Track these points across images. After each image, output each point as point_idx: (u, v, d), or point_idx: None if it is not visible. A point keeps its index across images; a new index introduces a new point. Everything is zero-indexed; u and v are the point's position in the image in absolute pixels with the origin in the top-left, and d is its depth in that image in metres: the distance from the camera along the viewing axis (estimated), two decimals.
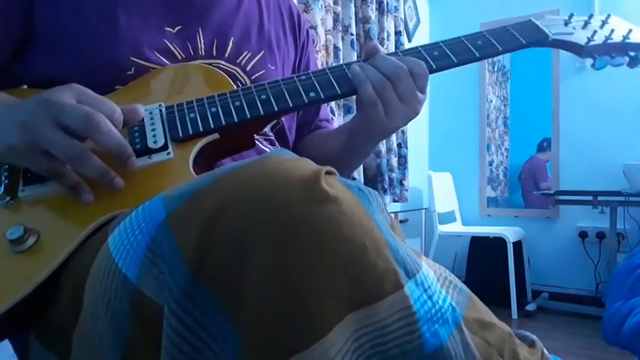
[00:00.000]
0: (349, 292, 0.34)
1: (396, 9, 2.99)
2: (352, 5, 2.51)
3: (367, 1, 2.66)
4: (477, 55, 0.68)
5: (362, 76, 0.62)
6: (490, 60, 3.55)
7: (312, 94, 0.62)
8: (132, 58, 0.63)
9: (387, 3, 2.86)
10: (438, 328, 0.36)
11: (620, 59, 0.75)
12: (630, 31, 0.74)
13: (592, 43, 0.73)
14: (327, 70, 0.65)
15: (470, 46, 0.68)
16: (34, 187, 0.53)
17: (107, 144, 0.50)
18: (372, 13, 2.69)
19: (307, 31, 0.91)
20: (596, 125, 3.11)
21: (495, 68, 3.60)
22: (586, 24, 0.74)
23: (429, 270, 0.40)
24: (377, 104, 0.62)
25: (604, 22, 0.75)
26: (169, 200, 0.38)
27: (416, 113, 0.65)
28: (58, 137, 0.48)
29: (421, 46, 0.68)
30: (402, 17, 3.09)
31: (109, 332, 0.38)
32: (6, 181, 0.54)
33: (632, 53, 0.75)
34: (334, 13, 2.40)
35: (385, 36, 2.84)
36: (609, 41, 0.73)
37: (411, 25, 3.37)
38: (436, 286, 0.39)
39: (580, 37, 0.73)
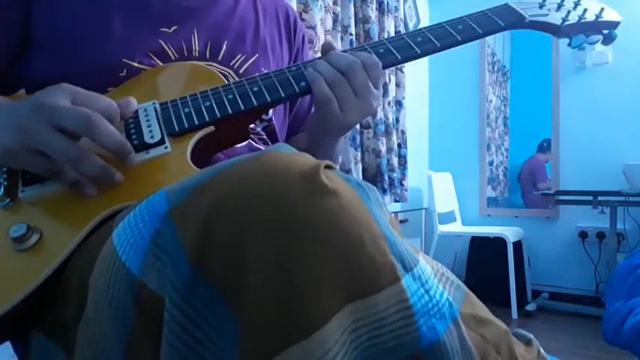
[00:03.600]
0: (347, 284, 0.35)
1: (396, 9, 2.99)
2: (351, 5, 2.51)
3: (367, 0, 2.66)
4: (459, 38, 0.70)
5: (315, 75, 0.63)
6: (490, 60, 3.56)
7: (302, 84, 0.63)
8: (124, 60, 0.64)
9: (387, 3, 2.86)
10: (435, 323, 0.37)
11: (595, 37, 0.79)
12: (602, 10, 0.77)
13: (567, 23, 0.76)
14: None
15: (451, 30, 0.70)
16: (33, 187, 0.53)
17: (107, 143, 0.51)
18: (372, 13, 2.69)
19: (303, 36, 0.92)
20: (596, 125, 3.11)
21: (495, 68, 3.60)
22: (559, 6, 0.78)
23: (427, 265, 0.41)
24: (332, 101, 0.62)
25: (577, 4, 0.78)
26: (172, 194, 0.39)
27: (371, 108, 0.65)
28: (56, 139, 0.49)
29: (406, 34, 0.70)
30: (402, 17, 3.10)
31: (112, 326, 0.39)
32: (5, 182, 0.54)
33: (605, 31, 0.78)
34: (333, 13, 2.39)
35: (385, 36, 2.84)
36: (583, 20, 0.77)
37: (411, 25, 3.37)
38: (433, 281, 0.39)
39: (555, 18, 0.76)
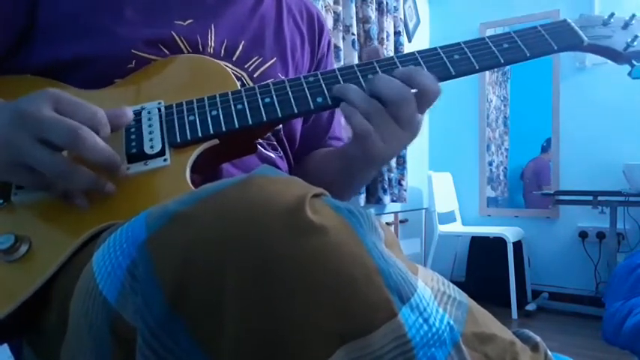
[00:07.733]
0: (338, 327, 0.33)
1: (396, 9, 2.99)
2: (353, 5, 2.51)
3: (367, 1, 2.66)
4: (502, 60, 0.61)
5: (348, 110, 0.56)
6: None
7: (319, 100, 0.58)
8: (133, 50, 0.61)
9: (387, 3, 2.86)
10: (435, 352, 0.35)
11: None
12: None
13: (631, 49, 0.65)
14: (337, 72, 0.60)
15: (495, 49, 0.61)
16: (27, 191, 0.52)
17: (94, 158, 0.48)
18: (372, 13, 2.69)
19: (328, 44, 0.86)
20: (596, 125, 3.11)
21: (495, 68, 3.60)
22: (627, 25, 0.66)
23: (426, 289, 0.39)
24: (370, 134, 0.56)
25: None
26: (152, 220, 0.37)
27: (415, 136, 0.59)
28: (41, 154, 0.46)
29: (441, 48, 0.61)
30: (402, 17, 3.09)
31: (92, 353, 0.38)
32: None
33: None
34: (335, 13, 2.40)
35: (385, 36, 2.84)
36: None
37: (410, 25, 3.37)
38: (433, 307, 0.37)
39: (618, 42, 0.65)
